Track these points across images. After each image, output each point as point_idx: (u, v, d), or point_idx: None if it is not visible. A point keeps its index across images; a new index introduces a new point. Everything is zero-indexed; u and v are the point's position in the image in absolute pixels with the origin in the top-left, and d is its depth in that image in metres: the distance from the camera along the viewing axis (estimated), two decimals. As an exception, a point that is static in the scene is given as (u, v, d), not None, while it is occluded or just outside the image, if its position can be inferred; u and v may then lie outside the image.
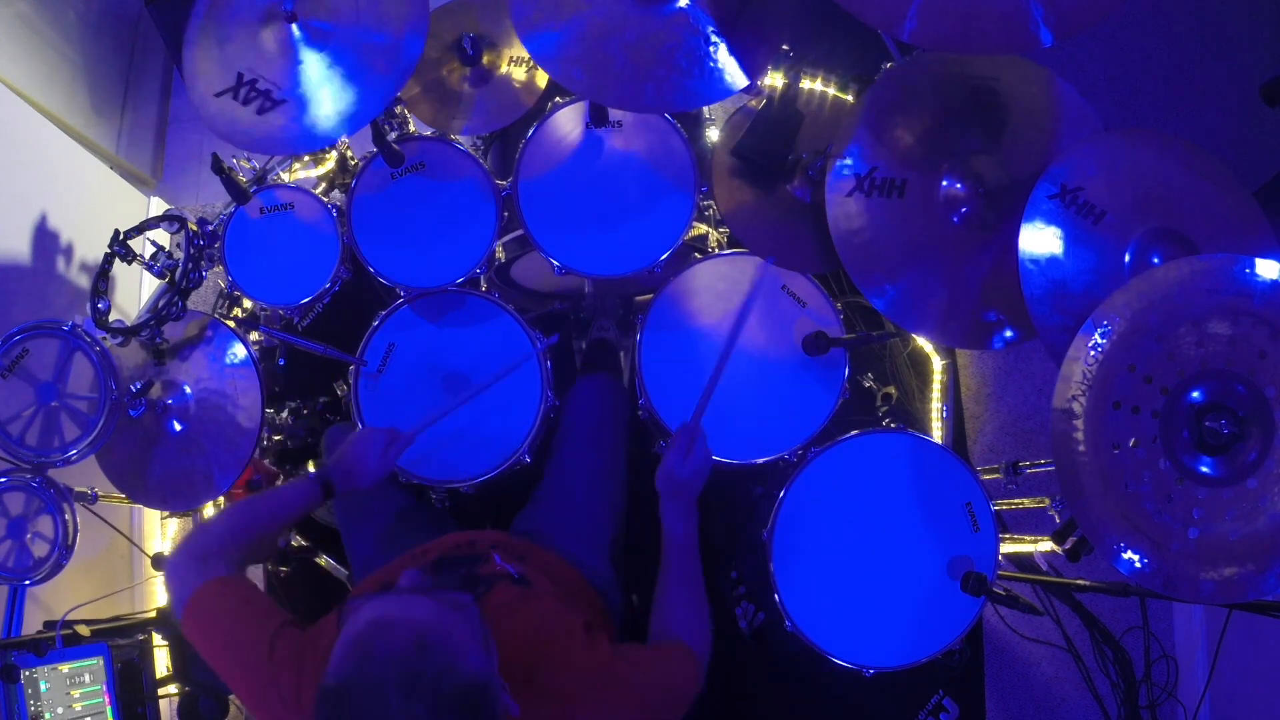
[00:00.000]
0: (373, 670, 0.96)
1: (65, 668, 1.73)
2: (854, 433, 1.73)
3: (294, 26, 1.66)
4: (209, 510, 2.30)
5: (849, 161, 1.65)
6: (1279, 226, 1.58)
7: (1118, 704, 2.43)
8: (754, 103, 1.83)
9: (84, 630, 1.79)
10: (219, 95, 1.66)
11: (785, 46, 1.74)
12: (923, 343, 2.34)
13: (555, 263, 1.83)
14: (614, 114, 1.84)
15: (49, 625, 1.79)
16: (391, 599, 1.06)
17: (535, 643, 1.25)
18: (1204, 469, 1.38)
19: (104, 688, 1.78)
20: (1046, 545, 1.83)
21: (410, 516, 1.81)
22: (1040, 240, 1.52)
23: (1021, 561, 2.20)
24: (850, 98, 1.84)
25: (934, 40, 1.41)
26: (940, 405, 2.29)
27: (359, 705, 0.95)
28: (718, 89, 1.58)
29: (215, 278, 2.25)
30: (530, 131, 1.87)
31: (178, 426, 1.84)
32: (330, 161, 2.22)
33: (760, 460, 1.78)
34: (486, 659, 1.03)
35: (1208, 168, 1.57)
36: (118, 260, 1.81)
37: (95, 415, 1.73)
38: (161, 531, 2.53)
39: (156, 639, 1.97)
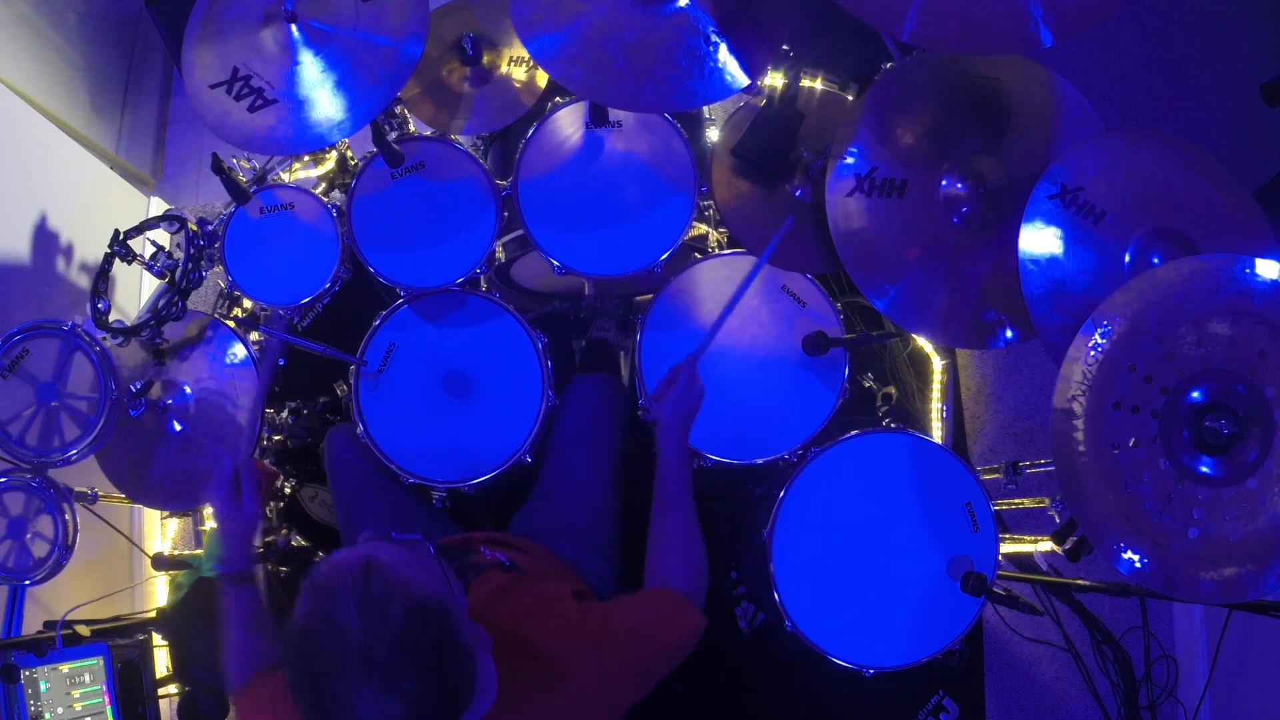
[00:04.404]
0: (326, 602, 1.00)
1: (65, 668, 1.73)
2: (854, 433, 1.73)
3: (293, 27, 1.66)
4: (209, 510, 2.31)
5: (850, 161, 1.65)
6: (1279, 226, 1.58)
7: (1118, 704, 2.43)
8: (755, 102, 1.83)
9: (84, 630, 1.79)
10: (213, 87, 1.67)
11: (785, 46, 1.75)
12: (923, 343, 2.34)
13: (555, 263, 1.83)
14: (614, 114, 1.84)
15: (49, 625, 1.79)
16: (346, 549, 1.10)
17: (527, 617, 1.28)
18: (1204, 469, 1.38)
19: (104, 688, 1.78)
20: (1046, 545, 1.83)
21: (410, 516, 1.82)
22: (1040, 240, 1.52)
23: (1021, 561, 2.20)
24: (850, 98, 1.84)
25: (934, 40, 1.41)
26: (940, 405, 2.29)
27: (319, 636, 0.99)
28: (718, 89, 1.58)
29: (215, 278, 2.25)
30: (530, 131, 1.86)
31: (178, 426, 1.84)
32: (330, 161, 2.22)
33: (760, 460, 1.78)
34: (444, 587, 1.06)
35: (1208, 168, 1.56)
36: (118, 260, 1.81)
37: (95, 415, 1.73)
38: (161, 531, 2.53)
39: (156, 639, 1.97)
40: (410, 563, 1.05)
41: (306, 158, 2.24)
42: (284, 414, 2.20)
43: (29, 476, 1.75)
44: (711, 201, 1.89)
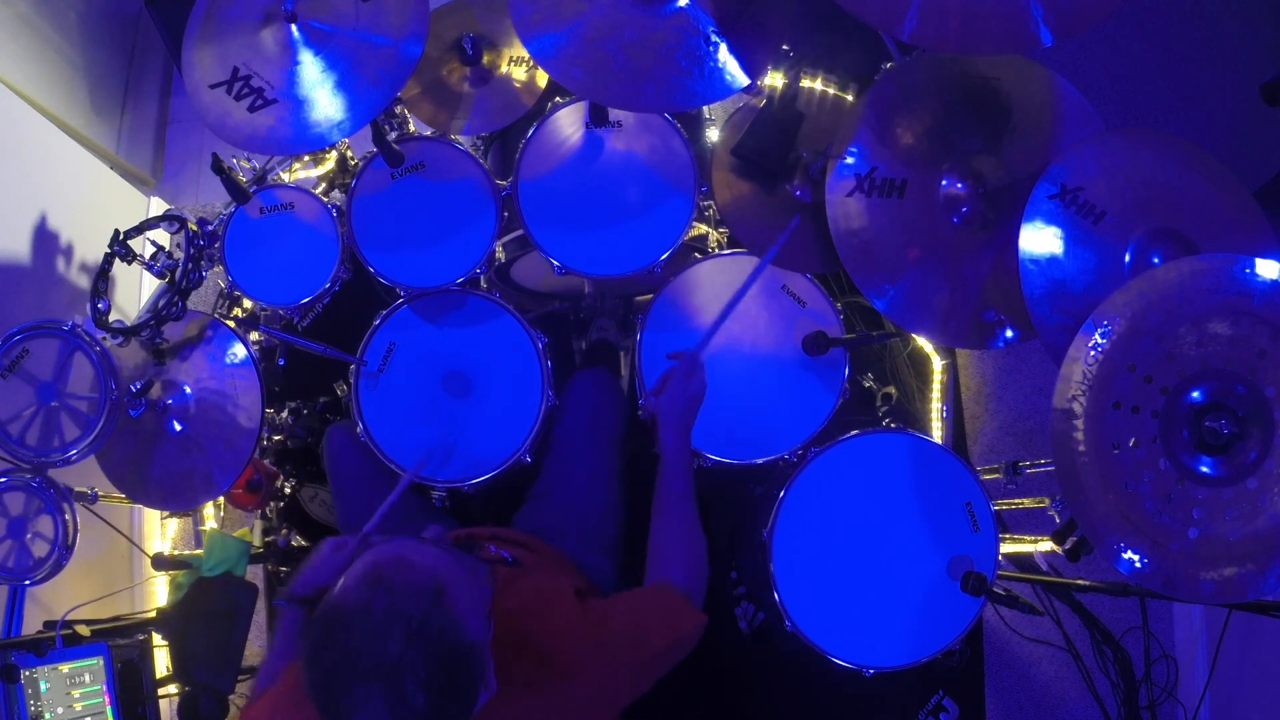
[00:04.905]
0: (384, 602, 0.97)
1: (65, 668, 1.73)
2: (854, 433, 1.73)
3: (293, 27, 1.66)
4: (209, 510, 2.31)
5: (850, 161, 1.65)
6: (1279, 226, 1.58)
7: (1118, 704, 2.43)
8: (755, 102, 1.83)
9: (84, 630, 1.79)
10: (213, 87, 1.67)
11: (785, 46, 1.75)
12: (923, 343, 2.34)
13: (555, 263, 1.83)
14: (614, 114, 1.84)
15: (49, 625, 1.79)
16: (416, 542, 1.07)
17: (529, 614, 1.27)
18: (1204, 469, 1.38)
19: (104, 688, 1.78)
20: (1046, 545, 1.83)
21: (410, 516, 1.82)
22: (1040, 240, 1.52)
23: (1021, 561, 2.20)
24: (850, 98, 1.84)
25: (934, 40, 1.41)
26: (940, 405, 2.29)
27: (358, 632, 0.97)
28: (718, 89, 1.58)
29: (215, 278, 2.25)
30: (530, 131, 1.87)
31: (178, 426, 1.84)
32: (330, 161, 2.22)
33: (760, 460, 1.78)
34: (485, 628, 1.05)
35: (1208, 168, 1.56)
36: (118, 260, 1.81)
37: (95, 415, 1.73)
38: (161, 531, 2.53)
39: (156, 639, 1.97)
40: (471, 596, 1.03)
41: (306, 158, 2.24)
42: (284, 414, 2.20)
43: (29, 476, 1.75)
44: (711, 201, 1.89)
